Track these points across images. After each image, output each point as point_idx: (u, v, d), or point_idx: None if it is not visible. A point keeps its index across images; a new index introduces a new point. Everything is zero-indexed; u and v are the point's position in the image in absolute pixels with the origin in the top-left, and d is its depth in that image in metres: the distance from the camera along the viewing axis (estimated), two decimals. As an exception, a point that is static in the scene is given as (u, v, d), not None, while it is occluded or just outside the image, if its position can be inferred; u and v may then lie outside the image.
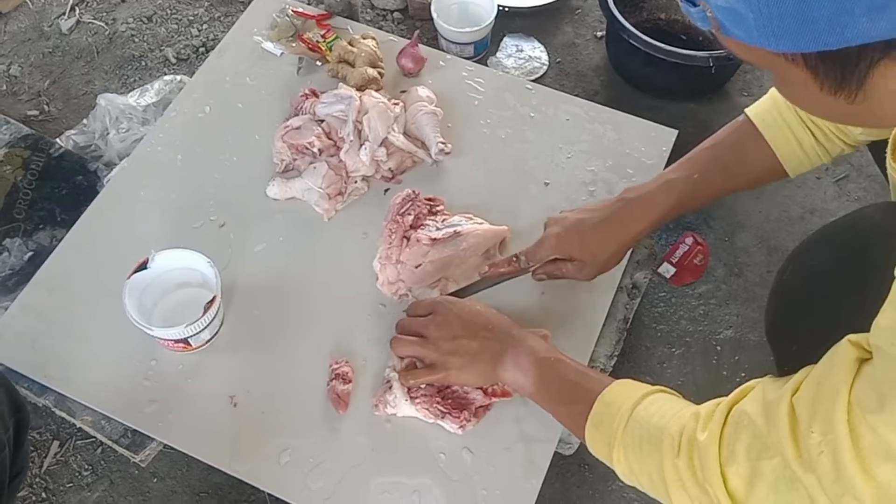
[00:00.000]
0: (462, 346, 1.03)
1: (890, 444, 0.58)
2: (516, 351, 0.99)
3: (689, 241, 1.47)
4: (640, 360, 1.38)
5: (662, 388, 0.87)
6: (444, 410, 1.06)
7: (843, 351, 0.64)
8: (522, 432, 1.08)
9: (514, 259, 1.11)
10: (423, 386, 1.07)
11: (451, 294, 1.15)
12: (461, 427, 1.05)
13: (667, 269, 1.45)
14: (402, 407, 1.06)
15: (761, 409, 0.70)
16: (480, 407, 1.08)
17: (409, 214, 1.19)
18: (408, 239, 1.18)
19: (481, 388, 1.07)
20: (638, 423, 0.82)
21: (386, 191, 1.28)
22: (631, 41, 1.56)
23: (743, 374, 1.37)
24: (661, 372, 1.38)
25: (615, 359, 1.17)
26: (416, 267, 1.16)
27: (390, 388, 1.07)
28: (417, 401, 1.06)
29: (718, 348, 1.41)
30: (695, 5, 0.62)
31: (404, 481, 1.04)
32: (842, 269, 0.92)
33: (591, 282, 1.19)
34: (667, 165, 1.31)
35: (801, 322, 0.94)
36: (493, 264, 1.13)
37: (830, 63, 0.57)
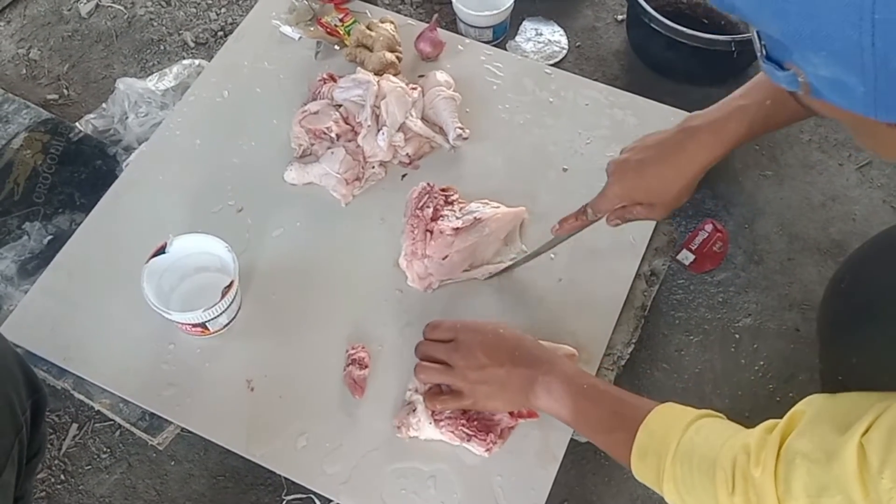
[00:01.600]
0: (489, 375, 1.00)
1: None
2: (547, 378, 0.96)
3: (709, 227, 1.45)
4: (657, 347, 1.37)
5: (708, 412, 0.84)
6: (470, 433, 1.04)
7: None
8: (539, 419, 1.07)
9: (583, 213, 1.07)
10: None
11: (522, 260, 1.15)
12: (487, 450, 1.04)
13: (686, 256, 1.44)
14: (426, 430, 1.04)
15: (818, 446, 0.68)
16: (506, 428, 1.06)
17: (428, 207, 1.19)
18: (430, 232, 1.17)
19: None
20: (686, 455, 0.80)
21: (403, 176, 1.28)
22: (652, 25, 1.54)
23: (761, 363, 1.36)
24: (679, 359, 1.37)
25: (632, 346, 1.17)
26: (444, 259, 1.15)
27: (414, 410, 1.05)
28: (442, 424, 1.04)
29: (737, 336, 1.39)
30: (782, 69, 0.57)
31: (420, 467, 1.05)
32: None
33: (610, 269, 1.19)
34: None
35: (864, 335, 0.89)
36: (563, 220, 1.09)
37: None
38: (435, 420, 1.04)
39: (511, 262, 1.18)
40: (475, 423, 1.05)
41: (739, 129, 0.99)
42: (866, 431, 0.66)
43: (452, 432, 1.04)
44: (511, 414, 1.06)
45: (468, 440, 1.04)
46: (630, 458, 0.86)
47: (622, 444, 0.87)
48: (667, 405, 0.87)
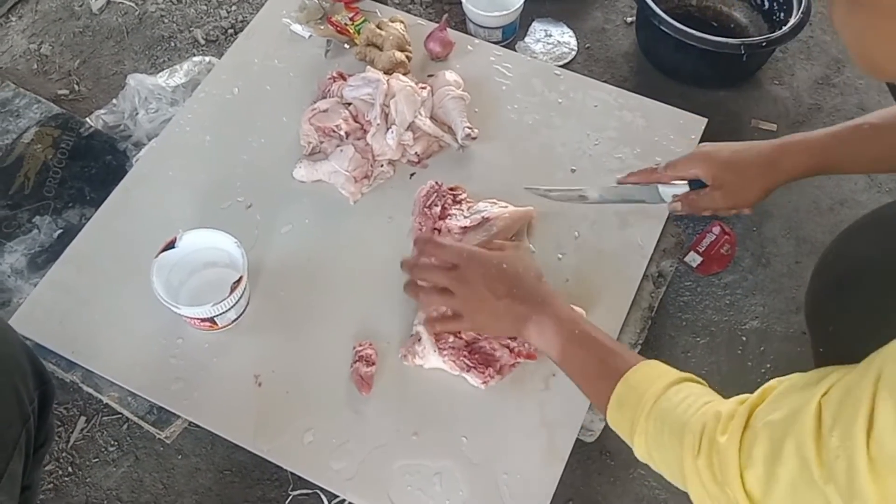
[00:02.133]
0: (488, 306, 1.01)
1: None
2: (540, 318, 0.98)
3: (717, 230, 1.46)
4: (664, 348, 1.38)
5: (690, 376, 0.86)
6: (470, 364, 1.08)
7: (881, 358, 0.63)
8: (545, 418, 1.08)
9: (653, 169, 1.13)
10: (451, 339, 1.08)
11: (564, 195, 1.20)
12: (484, 382, 1.07)
13: (693, 258, 1.44)
14: (430, 358, 1.08)
15: (786, 413, 0.69)
16: (506, 365, 1.09)
17: (436, 206, 1.20)
18: (438, 231, 1.18)
19: (507, 348, 1.09)
20: (661, 414, 0.81)
21: (412, 175, 1.28)
22: (661, 27, 1.54)
23: (768, 365, 1.36)
24: (686, 361, 1.37)
25: (639, 347, 1.17)
26: None
27: (419, 339, 1.09)
28: (445, 353, 1.08)
29: (744, 338, 1.40)
30: None
31: (426, 463, 1.05)
32: (889, 254, 0.90)
33: (617, 270, 1.19)
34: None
35: (842, 304, 0.91)
36: (630, 173, 1.15)
37: None
38: (439, 349, 1.08)
39: (554, 190, 1.22)
40: (476, 355, 1.09)
41: (829, 157, 1.05)
42: (826, 392, 0.66)
43: (454, 362, 1.08)
44: (511, 352, 1.09)
45: (467, 370, 1.08)
46: (607, 407, 0.87)
47: (602, 392, 0.88)
48: (653, 362, 0.88)
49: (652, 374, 0.86)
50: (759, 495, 0.70)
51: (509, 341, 1.10)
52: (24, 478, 0.89)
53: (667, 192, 1.14)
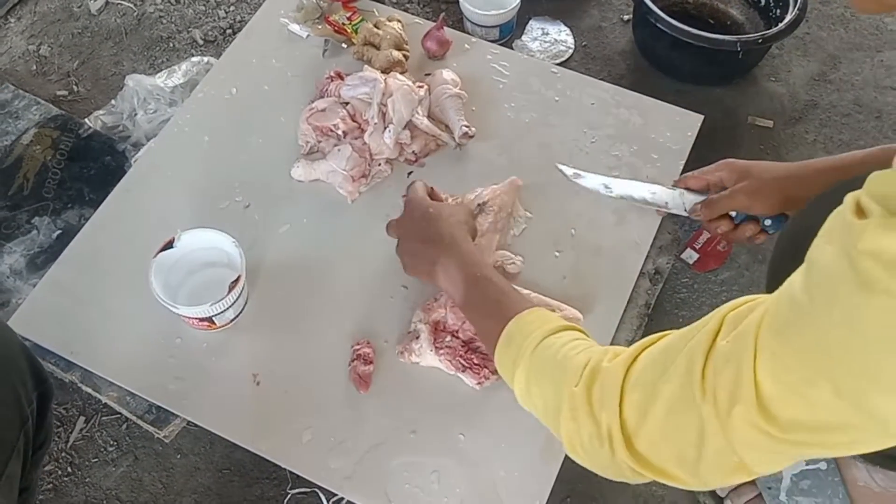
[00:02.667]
0: (409, 248, 1.10)
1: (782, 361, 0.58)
2: (447, 261, 1.02)
3: (714, 227, 1.46)
4: (661, 345, 1.38)
5: (579, 326, 0.87)
6: (466, 365, 1.09)
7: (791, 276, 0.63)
8: (542, 415, 1.08)
9: (689, 175, 1.15)
10: (448, 338, 1.10)
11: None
12: (479, 382, 1.08)
13: (690, 255, 1.44)
14: (427, 356, 1.09)
15: (684, 333, 0.68)
16: None
17: None
18: None
19: None
20: (547, 350, 0.82)
21: (409, 174, 1.28)
22: (658, 25, 1.55)
23: (765, 362, 1.36)
24: (683, 358, 1.37)
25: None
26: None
27: (416, 337, 1.10)
28: (442, 352, 1.09)
29: (741, 335, 1.40)
30: None
31: (424, 461, 1.05)
32: None
33: (614, 267, 1.20)
34: (692, 151, 1.31)
35: (796, 260, 0.93)
36: (681, 180, 1.17)
37: None
38: (436, 348, 1.09)
39: (582, 175, 1.24)
40: (473, 356, 1.10)
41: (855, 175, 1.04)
42: (735, 309, 0.65)
43: (450, 361, 1.09)
44: None
45: (463, 371, 1.09)
46: (496, 346, 0.89)
47: (493, 332, 0.90)
48: (544, 310, 0.90)
49: (544, 318, 0.88)
50: (634, 423, 0.69)
51: None
52: (23, 479, 0.89)
53: (691, 200, 1.15)
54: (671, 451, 0.67)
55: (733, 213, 1.12)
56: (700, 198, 1.14)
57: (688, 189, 1.17)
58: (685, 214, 1.17)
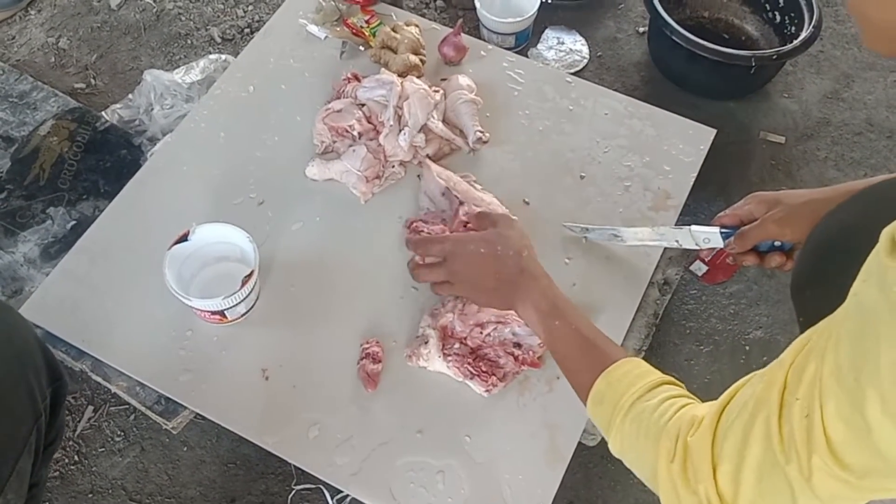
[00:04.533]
0: (478, 291, 1.07)
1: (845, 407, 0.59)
2: (524, 306, 1.01)
3: (723, 240, 1.47)
4: (668, 355, 1.39)
5: (670, 379, 0.86)
6: (474, 372, 1.09)
7: (837, 311, 0.63)
8: (547, 420, 1.09)
9: (720, 215, 1.12)
10: (456, 345, 1.10)
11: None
12: (487, 390, 1.09)
13: (699, 267, 1.45)
14: (435, 362, 1.10)
15: (755, 395, 0.68)
16: (510, 373, 1.10)
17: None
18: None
19: (512, 356, 1.10)
20: (638, 417, 0.81)
21: (419, 176, 1.29)
22: (673, 38, 1.56)
23: (770, 376, 1.37)
24: (689, 369, 1.38)
25: (643, 353, 1.18)
26: None
27: (426, 342, 1.10)
28: (450, 358, 1.09)
29: (747, 348, 1.41)
30: None
31: (429, 461, 1.06)
32: (868, 220, 0.90)
33: (623, 276, 1.20)
34: (703, 164, 1.32)
35: (820, 271, 0.91)
36: (719, 216, 1.13)
37: None
38: (444, 354, 1.09)
39: (592, 230, 1.22)
40: (480, 363, 1.10)
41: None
42: (793, 362, 0.66)
43: (458, 368, 1.09)
44: (515, 360, 1.10)
45: (471, 378, 1.09)
46: (587, 401, 0.88)
47: (584, 385, 0.89)
48: (634, 359, 0.89)
49: (632, 374, 0.86)
50: (731, 493, 0.69)
51: (514, 349, 1.11)
52: (32, 475, 0.89)
53: (700, 235, 1.12)
54: None
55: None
56: (708, 230, 1.12)
57: (699, 225, 1.14)
58: (696, 248, 1.14)
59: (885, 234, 0.56)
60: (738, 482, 0.68)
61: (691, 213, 1.48)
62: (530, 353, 1.10)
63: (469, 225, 1.17)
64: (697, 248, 1.14)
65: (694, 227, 1.12)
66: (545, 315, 0.98)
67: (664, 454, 0.76)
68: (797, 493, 0.64)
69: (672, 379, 0.86)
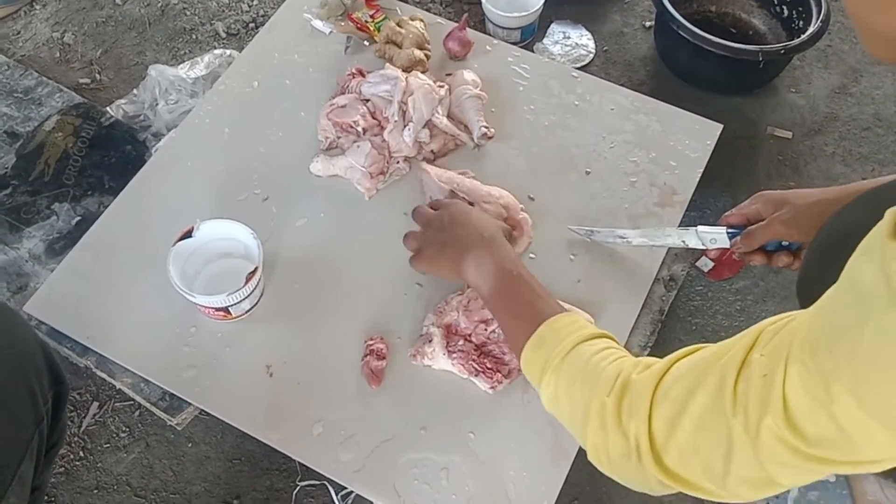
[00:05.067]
0: (438, 237, 1.09)
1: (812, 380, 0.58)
2: (481, 253, 1.02)
3: (729, 236, 1.46)
4: (673, 351, 1.37)
5: (611, 335, 0.87)
6: (479, 369, 1.09)
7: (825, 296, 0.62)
8: (551, 417, 1.08)
9: (726, 214, 1.12)
10: (461, 342, 1.10)
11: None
12: (492, 387, 1.08)
13: (705, 263, 1.44)
14: (439, 360, 1.09)
15: (719, 348, 0.68)
16: (515, 369, 1.10)
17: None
18: None
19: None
20: (580, 357, 0.82)
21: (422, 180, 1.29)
22: (680, 32, 1.55)
23: (777, 372, 1.36)
24: (694, 365, 1.37)
25: (649, 349, 1.18)
26: None
27: (430, 341, 1.10)
28: (454, 356, 1.09)
29: (753, 345, 1.40)
30: None
31: (433, 458, 1.06)
32: (876, 223, 0.89)
33: (629, 272, 1.20)
34: (710, 160, 1.31)
35: (827, 268, 0.91)
36: (725, 215, 1.13)
37: None
38: (448, 352, 1.09)
39: (596, 232, 1.22)
40: (486, 360, 1.10)
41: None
42: (774, 324, 0.66)
43: (463, 365, 1.09)
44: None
45: (476, 375, 1.09)
46: (524, 346, 0.89)
47: (522, 333, 0.90)
48: (577, 315, 0.90)
49: (576, 323, 0.88)
50: (663, 435, 0.69)
51: None
52: (34, 479, 0.89)
53: (706, 236, 1.11)
54: (700, 464, 0.67)
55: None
56: (715, 230, 1.11)
57: (705, 225, 1.13)
58: (702, 248, 1.13)
59: (890, 214, 0.55)
60: (674, 426, 0.68)
61: (698, 209, 1.47)
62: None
63: None
64: (704, 248, 1.13)
65: (700, 228, 1.11)
66: (507, 261, 1.00)
67: (602, 390, 0.76)
68: (735, 448, 0.63)
69: (611, 335, 0.87)
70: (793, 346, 0.60)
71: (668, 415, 0.69)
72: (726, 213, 1.12)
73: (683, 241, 1.14)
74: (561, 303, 1.09)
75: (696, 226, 1.12)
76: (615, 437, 0.73)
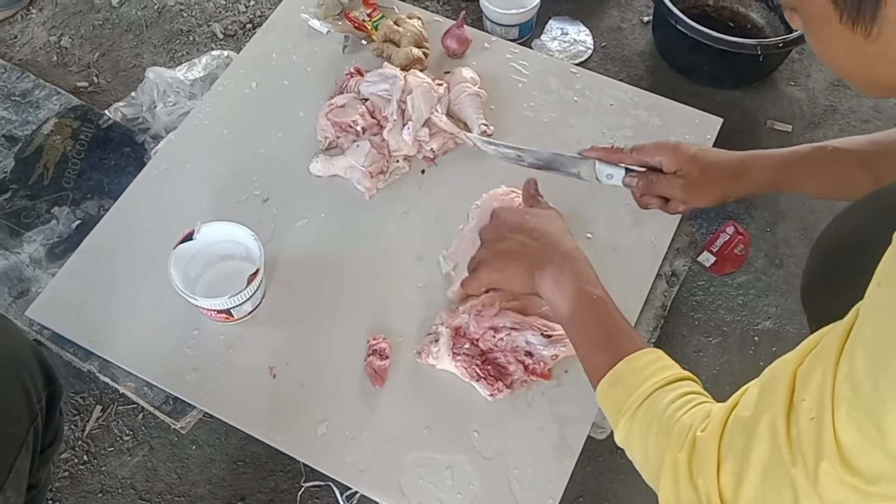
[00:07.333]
0: (506, 247, 1.03)
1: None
2: (560, 268, 0.97)
3: (731, 230, 1.46)
4: (676, 347, 1.38)
5: (692, 377, 0.85)
6: (481, 374, 1.08)
7: (850, 314, 0.61)
8: (556, 414, 1.08)
9: (618, 148, 1.08)
10: (466, 345, 1.09)
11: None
12: (492, 395, 1.08)
13: (707, 258, 1.44)
14: (444, 360, 1.09)
15: (762, 395, 0.68)
16: (518, 380, 1.09)
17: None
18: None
19: (522, 364, 1.09)
20: (656, 404, 0.80)
21: (422, 171, 1.29)
22: (678, 26, 1.55)
23: (780, 366, 1.36)
24: (698, 360, 1.37)
25: (651, 345, 1.17)
26: None
27: (436, 340, 1.10)
28: (459, 358, 1.08)
29: (756, 339, 1.40)
30: None
31: (438, 457, 1.06)
32: (880, 228, 0.89)
33: (630, 268, 1.20)
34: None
35: (832, 279, 0.90)
36: (593, 147, 1.10)
37: None
38: (453, 353, 1.08)
39: (492, 144, 1.17)
40: (489, 366, 1.09)
41: (788, 173, 1.03)
42: (801, 363, 0.65)
43: (465, 368, 1.08)
44: (525, 369, 1.09)
45: (477, 380, 1.08)
46: (600, 380, 0.86)
47: (600, 365, 0.86)
48: (659, 351, 0.87)
49: (657, 364, 0.85)
50: (731, 491, 0.68)
51: (525, 358, 1.09)
52: (31, 476, 0.90)
53: (603, 171, 1.09)
54: None
55: None
56: (613, 169, 1.08)
57: (600, 160, 1.10)
58: (597, 182, 1.11)
59: None
60: (741, 480, 0.67)
61: (698, 204, 1.47)
62: (541, 363, 1.09)
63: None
64: (598, 182, 1.10)
65: (598, 163, 1.09)
66: (588, 282, 0.95)
67: (674, 444, 0.75)
68: (800, 496, 0.63)
69: (693, 376, 0.84)
70: (836, 385, 0.59)
71: (732, 470, 0.68)
72: (621, 149, 1.08)
73: (578, 172, 1.11)
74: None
75: (595, 159, 1.10)
76: (687, 492, 0.73)
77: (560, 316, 0.96)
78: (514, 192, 1.23)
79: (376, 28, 1.40)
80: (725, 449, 0.70)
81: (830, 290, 0.88)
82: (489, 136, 1.28)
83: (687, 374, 0.85)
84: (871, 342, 0.57)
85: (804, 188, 1.05)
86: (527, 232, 1.03)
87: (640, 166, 1.08)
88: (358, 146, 1.26)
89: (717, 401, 0.79)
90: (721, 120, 1.35)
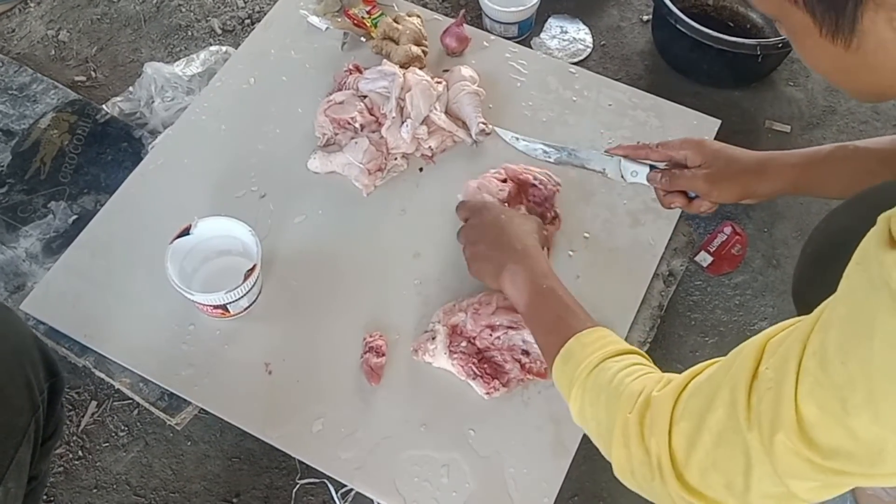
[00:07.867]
0: (478, 252, 1.09)
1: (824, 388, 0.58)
2: (515, 268, 1.02)
3: (728, 230, 1.46)
4: (672, 347, 1.38)
5: (640, 351, 0.87)
6: (477, 373, 1.08)
7: (828, 300, 0.62)
8: (552, 412, 1.08)
9: (644, 144, 1.13)
10: (463, 343, 1.09)
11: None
12: (488, 393, 1.08)
13: (704, 258, 1.44)
14: (440, 358, 1.09)
15: (727, 362, 0.68)
16: (514, 379, 1.09)
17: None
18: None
19: (519, 363, 1.09)
20: (605, 372, 0.82)
21: (420, 169, 1.29)
22: (678, 26, 1.54)
23: (776, 367, 1.36)
24: (694, 360, 1.36)
25: (648, 345, 1.17)
26: None
27: (433, 338, 1.10)
28: (455, 356, 1.08)
29: (752, 339, 1.40)
30: None
31: (433, 455, 1.06)
32: (869, 224, 0.90)
33: (628, 268, 1.20)
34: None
35: (822, 277, 0.90)
36: (620, 145, 1.16)
37: (825, 2, 0.61)
38: (450, 351, 1.09)
39: (521, 139, 1.28)
40: (486, 365, 1.09)
41: (808, 174, 1.04)
42: (775, 335, 0.65)
43: (462, 366, 1.09)
44: (522, 367, 1.09)
45: (474, 378, 1.08)
46: (555, 360, 0.89)
47: (553, 346, 0.90)
48: (607, 330, 0.90)
49: (605, 339, 0.88)
50: (683, 452, 0.69)
51: (521, 357, 1.10)
52: (32, 468, 0.90)
53: (628, 168, 1.14)
54: (720, 481, 0.67)
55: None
56: (637, 166, 1.13)
57: (626, 157, 1.15)
58: (622, 181, 1.16)
59: (882, 221, 0.55)
60: (694, 443, 0.68)
61: (696, 204, 1.47)
62: (538, 362, 1.09)
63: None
64: (623, 181, 1.16)
65: (624, 160, 1.15)
66: (539, 276, 1.00)
67: (624, 406, 0.76)
68: (753, 463, 0.63)
69: (640, 351, 0.87)
70: (803, 359, 0.59)
71: (686, 431, 0.69)
72: (648, 145, 1.12)
73: (604, 169, 1.19)
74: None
75: (620, 157, 1.15)
76: (638, 454, 0.73)
77: (520, 311, 1.02)
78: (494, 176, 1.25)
79: (375, 25, 1.39)
80: (682, 409, 0.70)
81: (820, 287, 0.88)
82: (487, 134, 1.28)
83: (634, 348, 0.88)
84: (844, 320, 0.57)
85: (826, 188, 1.06)
86: (496, 234, 1.08)
87: (665, 163, 1.11)
88: (356, 143, 1.26)
89: None
90: (719, 121, 1.35)
